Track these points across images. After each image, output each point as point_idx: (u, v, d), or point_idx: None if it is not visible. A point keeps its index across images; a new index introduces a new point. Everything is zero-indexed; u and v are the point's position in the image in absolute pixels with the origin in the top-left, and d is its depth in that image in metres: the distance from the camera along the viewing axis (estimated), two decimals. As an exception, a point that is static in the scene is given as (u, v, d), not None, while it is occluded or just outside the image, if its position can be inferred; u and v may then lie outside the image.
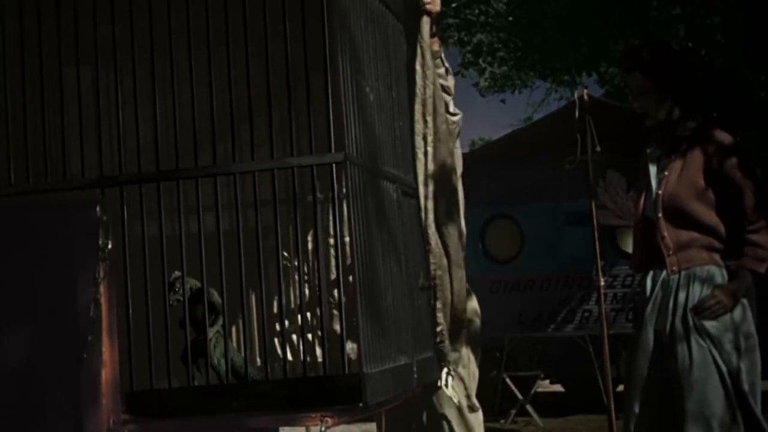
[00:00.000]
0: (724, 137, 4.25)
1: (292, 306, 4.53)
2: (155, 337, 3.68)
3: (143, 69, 3.79)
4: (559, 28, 15.53)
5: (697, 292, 4.17)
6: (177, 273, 3.80)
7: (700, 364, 4.11)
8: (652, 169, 4.32)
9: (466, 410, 4.73)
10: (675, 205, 4.23)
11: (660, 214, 4.25)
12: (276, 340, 4.35)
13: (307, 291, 4.42)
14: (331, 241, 3.94)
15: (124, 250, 3.67)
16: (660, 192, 4.26)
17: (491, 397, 10.76)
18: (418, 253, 4.56)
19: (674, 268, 4.22)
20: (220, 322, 3.88)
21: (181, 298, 3.84)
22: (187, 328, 3.83)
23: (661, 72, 4.31)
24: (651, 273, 4.30)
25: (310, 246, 4.07)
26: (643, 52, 4.51)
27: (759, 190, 4.16)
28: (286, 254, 4.16)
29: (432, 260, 4.59)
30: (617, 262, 11.87)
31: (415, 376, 4.26)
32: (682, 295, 4.19)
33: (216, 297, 3.83)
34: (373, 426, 5.07)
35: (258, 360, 4.53)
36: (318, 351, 4.55)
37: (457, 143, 4.82)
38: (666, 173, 4.26)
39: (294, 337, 4.58)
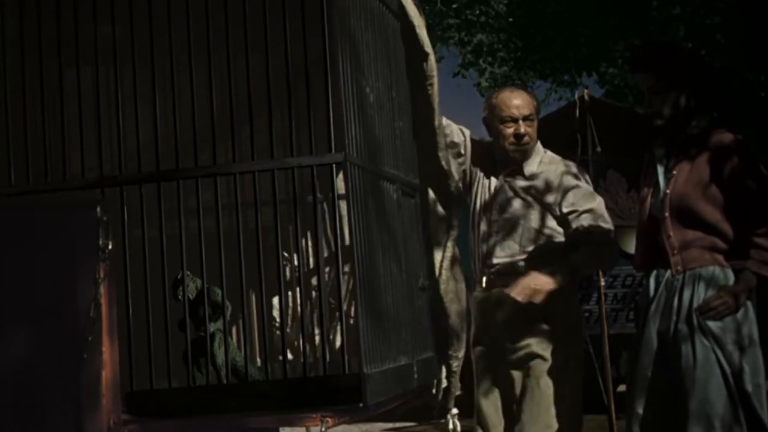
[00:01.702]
0: (732, 138, 4.25)
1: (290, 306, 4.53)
2: (155, 337, 3.68)
3: (143, 69, 3.79)
4: (559, 28, 15.54)
5: (702, 292, 4.17)
6: (187, 272, 3.81)
7: (703, 363, 4.10)
8: (660, 168, 4.32)
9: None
10: (683, 204, 4.22)
11: (667, 214, 4.25)
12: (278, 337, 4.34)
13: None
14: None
15: (124, 250, 3.67)
16: (668, 191, 4.26)
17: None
18: (418, 253, 4.56)
19: (678, 267, 4.22)
20: (220, 319, 3.88)
21: (190, 295, 3.84)
22: (187, 329, 3.83)
23: (665, 71, 4.31)
24: (654, 273, 4.30)
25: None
26: (651, 52, 4.51)
27: (765, 192, 4.16)
28: (286, 254, 4.16)
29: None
30: (617, 262, 11.83)
31: (416, 376, 4.26)
32: (686, 295, 4.18)
33: (220, 297, 3.83)
34: (372, 426, 5.06)
35: (258, 360, 4.53)
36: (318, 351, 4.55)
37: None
38: (674, 173, 4.26)
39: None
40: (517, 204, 4.84)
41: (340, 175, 3.74)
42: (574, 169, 4.90)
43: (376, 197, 4.05)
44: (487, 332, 4.87)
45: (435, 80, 4.62)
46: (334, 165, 3.68)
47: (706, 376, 4.10)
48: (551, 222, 4.80)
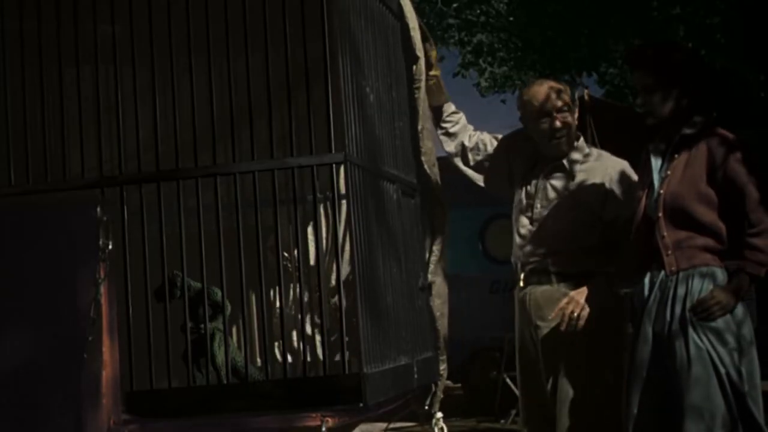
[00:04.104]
0: (728, 138, 4.24)
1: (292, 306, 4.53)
2: (155, 337, 3.68)
3: (143, 69, 3.80)
4: (559, 28, 15.54)
5: (696, 292, 4.16)
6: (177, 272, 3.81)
7: (698, 363, 4.10)
8: (656, 164, 4.31)
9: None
10: (676, 204, 4.22)
11: (660, 214, 4.24)
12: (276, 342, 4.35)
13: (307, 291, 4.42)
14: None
15: (124, 250, 3.67)
16: (662, 191, 4.26)
17: (491, 397, 10.75)
18: (418, 253, 4.56)
19: (672, 268, 4.22)
20: (220, 318, 3.89)
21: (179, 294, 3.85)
22: (187, 330, 3.84)
23: (665, 69, 4.31)
24: (649, 273, 4.30)
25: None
26: (648, 50, 4.53)
27: (762, 192, 4.16)
28: (286, 254, 4.16)
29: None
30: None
31: (415, 376, 4.26)
32: (680, 295, 4.18)
33: (219, 297, 3.84)
34: (371, 426, 5.06)
35: (258, 360, 4.53)
36: (318, 351, 4.55)
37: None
38: (669, 172, 4.26)
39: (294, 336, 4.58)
40: (554, 204, 4.63)
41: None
42: (623, 168, 4.66)
43: (376, 197, 4.05)
44: (524, 333, 4.69)
45: (422, 84, 4.62)
46: (334, 165, 3.68)
47: (700, 375, 4.10)
48: (588, 224, 4.58)
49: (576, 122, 4.72)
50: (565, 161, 4.66)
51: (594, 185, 4.60)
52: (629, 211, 4.41)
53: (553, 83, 4.72)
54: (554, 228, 4.61)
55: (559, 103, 4.63)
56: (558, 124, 4.62)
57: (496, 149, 4.87)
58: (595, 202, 4.60)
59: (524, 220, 4.70)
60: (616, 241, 4.50)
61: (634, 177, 4.61)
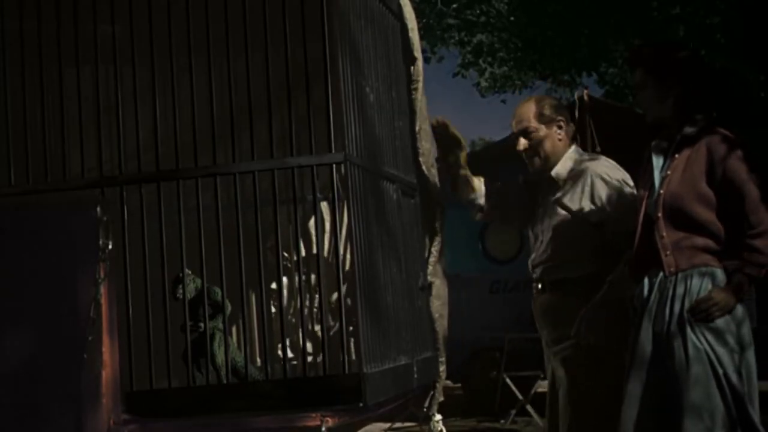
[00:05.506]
0: (728, 136, 4.24)
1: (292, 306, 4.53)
2: (155, 337, 3.69)
3: (143, 69, 3.80)
4: (559, 28, 15.54)
5: (694, 293, 4.16)
6: (187, 271, 3.82)
7: (699, 362, 4.10)
8: (657, 163, 4.31)
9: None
10: (676, 205, 4.22)
11: (660, 214, 4.24)
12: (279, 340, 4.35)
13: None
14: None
15: (124, 250, 3.67)
16: (662, 191, 4.26)
17: (491, 397, 10.75)
18: (417, 253, 4.56)
19: (671, 269, 4.22)
20: (220, 318, 3.89)
21: (189, 295, 3.85)
22: (187, 330, 3.84)
23: (661, 70, 4.31)
24: (648, 274, 4.30)
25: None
26: (648, 49, 4.54)
27: (761, 193, 4.16)
28: (286, 254, 4.16)
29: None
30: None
31: (415, 376, 4.26)
32: (678, 296, 4.18)
33: (219, 296, 3.84)
34: (371, 426, 5.05)
35: (258, 360, 4.53)
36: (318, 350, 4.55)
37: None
38: (669, 173, 4.26)
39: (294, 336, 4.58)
40: (548, 217, 4.66)
41: None
42: (604, 169, 4.65)
43: (376, 197, 4.05)
44: (542, 336, 4.71)
45: (420, 85, 4.62)
46: (334, 165, 3.69)
47: (699, 375, 4.10)
48: (578, 234, 4.59)
49: (555, 134, 4.67)
50: (553, 173, 4.67)
51: (575, 195, 4.61)
52: (616, 215, 4.43)
53: (532, 103, 4.70)
54: (547, 241, 4.65)
55: (523, 126, 4.64)
56: (519, 147, 4.66)
57: (519, 188, 4.86)
58: (577, 211, 4.59)
59: (531, 233, 4.76)
60: (614, 247, 4.48)
61: (620, 176, 4.60)
